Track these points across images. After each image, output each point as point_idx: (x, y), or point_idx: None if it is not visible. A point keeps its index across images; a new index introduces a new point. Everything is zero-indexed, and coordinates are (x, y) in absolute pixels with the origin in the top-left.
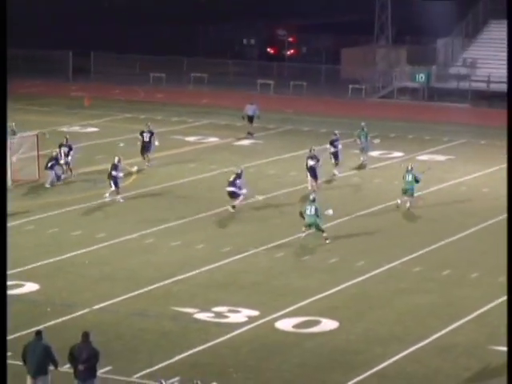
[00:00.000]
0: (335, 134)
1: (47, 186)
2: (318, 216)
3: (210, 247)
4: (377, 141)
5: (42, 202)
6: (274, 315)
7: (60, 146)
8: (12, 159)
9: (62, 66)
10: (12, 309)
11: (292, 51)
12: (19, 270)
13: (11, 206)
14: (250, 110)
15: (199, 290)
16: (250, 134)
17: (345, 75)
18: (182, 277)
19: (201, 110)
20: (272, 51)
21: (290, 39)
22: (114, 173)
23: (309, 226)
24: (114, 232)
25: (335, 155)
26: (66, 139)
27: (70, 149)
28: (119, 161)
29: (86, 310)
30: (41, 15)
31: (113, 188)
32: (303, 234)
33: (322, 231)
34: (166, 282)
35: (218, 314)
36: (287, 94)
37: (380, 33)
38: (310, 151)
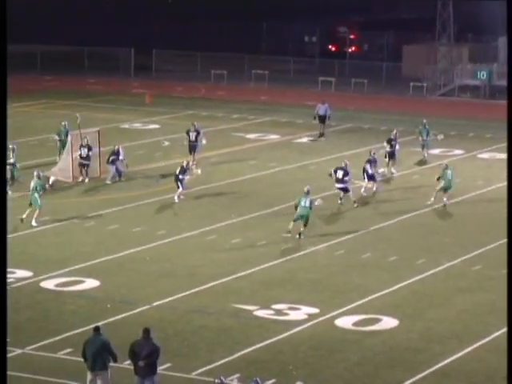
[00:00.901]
0: (393, 133)
1: (108, 182)
2: (310, 208)
3: (271, 244)
4: (440, 137)
5: (102, 198)
6: (334, 313)
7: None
8: (73, 156)
9: (124, 63)
10: (72, 305)
11: (353, 48)
12: (80, 266)
13: (72, 202)
14: (321, 109)
15: (259, 287)
16: (321, 135)
17: (406, 73)
18: (242, 274)
19: (261, 107)
20: (333, 48)
21: (352, 36)
22: (181, 176)
23: (301, 217)
24: (174, 229)
25: (391, 154)
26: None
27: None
28: (187, 164)
29: (146, 307)
30: (105, 13)
31: (180, 189)
32: (288, 235)
33: (305, 225)
34: (227, 278)
35: (278, 312)
36: (348, 91)
37: (442, 30)
38: (370, 154)
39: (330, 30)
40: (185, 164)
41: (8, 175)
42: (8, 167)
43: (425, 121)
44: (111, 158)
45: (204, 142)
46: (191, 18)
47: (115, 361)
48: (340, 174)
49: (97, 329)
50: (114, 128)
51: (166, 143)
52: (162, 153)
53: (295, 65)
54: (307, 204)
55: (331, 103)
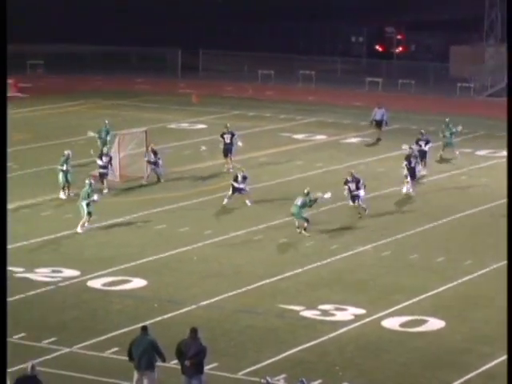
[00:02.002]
0: (422, 134)
1: (143, 182)
2: (302, 207)
3: (318, 245)
4: (459, 128)
5: (149, 198)
6: (381, 314)
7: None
8: (119, 155)
9: (171, 63)
10: (119, 304)
11: (400, 49)
12: (127, 265)
13: (119, 202)
14: (378, 114)
15: (306, 287)
16: (378, 140)
17: (453, 73)
18: (289, 274)
19: (309, 107)
20: (380, 49)
21: (399, 37)
22: (236, 184)
23: (292, 215)
24: (221, 229)
25: (422, 154)
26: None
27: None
28: (244, 177)
29: (192, 307)
30: (153, 14)
31: (230, 193)
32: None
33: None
34: (273, 279)
35: (325, 312)
36: (395, 92)
37: (489, 31)
38: (410, 148)
39: (377, 30)
40: (240, 176)
41: (60, 181)
42: (61, 173)
43: (447, 120)
44: (150, 159)
45: (240, 144)
46: (238, 18)
47: (163, 360)
48: (353, 186)
49: (144, 328)
50: (160, 128)
51: (204, 148)
52: (209, 153)
53: (342, 65)
54: (298, 203)
55: (377, 102)
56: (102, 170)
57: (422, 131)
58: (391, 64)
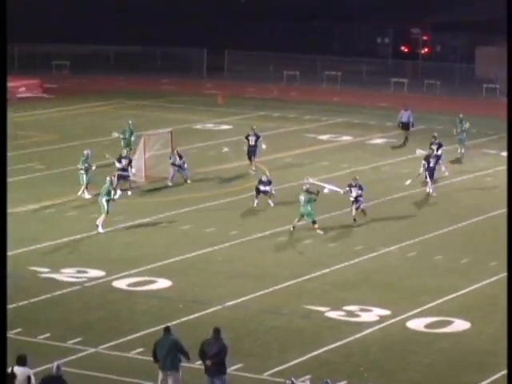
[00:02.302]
0: (434, 137)
1: (169, 183)
2: (308, 203)
3: (343, 245)
4: (467, 125)
5: (174, 198)
6: (406, 315)
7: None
8: (145, 156)
9: (196, 63)
10: (144, 305)
11: (426, 49)
12: (152, 266)
13: (145, 202)
14: (404, 116)
15: (331, 288)
16: (405, 142)
17: (479, 74)
18: (314, 275)
19: (334, 108)
20: (406, 49)
21: (425, 37)
22: (261, 187)
23: (302, 216)
24: (246, 229)
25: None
26: None
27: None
28: (269, 181)
29: (218, 307)
30: (178, 14)
31: (255, 195)
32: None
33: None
34: (299, 279)
35: (350, 313)
36: (421, 92)
37: None
38: (433, 150)
39: (402, 31)
40: (264, 178)
41: (82, 181)
42: (81, 171)
43: (461, 115)
44: (175, 162)
45: (264, 146)
46: (264, 19)
47: (188, 359)
48: (355, 191)
49: (167, 329)
50: (186, 128)
51: (226, 149)
52: (235, 154)
53: (367, 66)
54: (302, 202)
55: (403, 104)
56: (120, 173)
57: (435, 134)
58: (417, 65)
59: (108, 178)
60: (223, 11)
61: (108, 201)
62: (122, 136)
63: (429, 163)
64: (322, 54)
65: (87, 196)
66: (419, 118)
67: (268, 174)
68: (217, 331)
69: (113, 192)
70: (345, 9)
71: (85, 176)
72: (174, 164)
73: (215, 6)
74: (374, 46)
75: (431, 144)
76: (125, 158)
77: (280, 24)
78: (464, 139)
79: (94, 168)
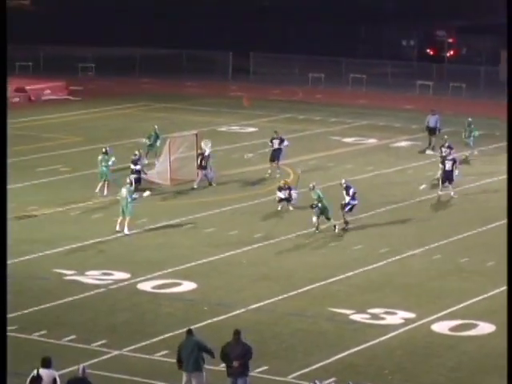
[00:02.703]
0: (445, 140)
1: (195, 186)
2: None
3: (367, 248)
4: (476, 133)
5: (198, 201)
6: (431, 318)
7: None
8: (170, 159)
9: (222, 66)
10: (169, 307)
11: (451, 52)
12: (177, 268)
13: (169, 205)
14: (431, 120)
15: (356, 291)
16: (432, 147)
17: (504, 77)
18: (338, 277)
19: (359, 110)
20: (431, 52)
21: (450, 40)
22: (281, 195)
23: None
24: (270, 232)
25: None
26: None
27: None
28: (289, 187)
29: (242, 310)
30: (204, 16)
31: (294, 198)
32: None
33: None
34: (323, 282)
35: (374, 316)
36: (446, 95)
37: None
38: (451, 153)
39: (427, 33)
40: (281, 183)
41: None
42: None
43: (470, 119)
44: (202, 163)
45: (286, 143)
46: (289, 21)
47: (213, 357)
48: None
49: (190, 331)
50: (211, 131)
51: (250, 155)
52: (259, 156)
53: (393, 68)
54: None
55: (429, 107)
56: (135, 176)
57: (445, 137)
58: (442, 67)
59: (128, 180)
60: (248, 13)
61: (131, 202)
62: (147, 141)
63: (445, 166)
64: (347, 57)
65: (105, 193)
66: (444, 120)
67: (287, 182)
68: (237, 333)
69: (134, 194)
70: (370, 11)
71: (103, 173)
72: (200, 167)
73: (240, 9)
74: (399, 48)
75: (441, 146)
76: (139, 159)
77: (305, 26)
78: (470, 142)
79: (112, 162)
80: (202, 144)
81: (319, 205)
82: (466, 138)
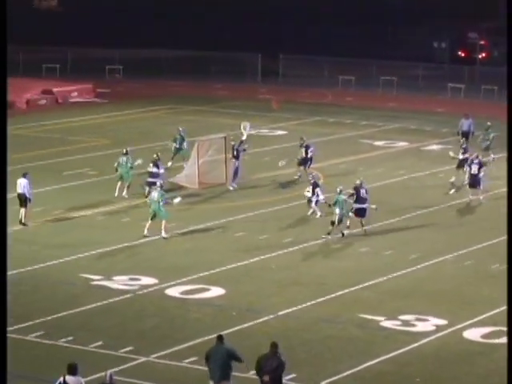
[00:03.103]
0: (462, 143)
1: (230, 188)
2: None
3: (398, 254)
4: (491, 135)
5: (227, 205)
6: (462, 324)
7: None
8: (199, 162)
9: (250, 68)
10: (197, 313)
11: (483, 54)
12: (205, 273)
13: (197, 209)
14: (465, 125)
15: (386, 297)
16: (464, 151)
17: None
18: (369, 283)
19: (390, 113)
20: (463, 54)
21: (482, 42)
22: (314, 198)
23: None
24: (300, 237)
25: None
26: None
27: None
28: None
29: (271, 316)
30: (232, 17)
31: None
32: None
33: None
34: (354, 288)
35: (405, 322)
36: (478, 98)
37: None
38: (477, 157)
39: (459, 35)
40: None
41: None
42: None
43: (489, 123)
44: (234, 153)
45: (312, 148)
46: (319, 23)
47: (242, 361)
48: (363, 192)
49: (220, 338)
50: (240, 134)
51: (284, 163)
52: (289, 159)
53: (424, 71)
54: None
55: (461, 110)
56: (150, 179)
57: (462, 140)
58: (474, 70)
59: (158, 183)
60: (278, 15)
61: (163, 206)
62: (175, 145)
63: (471, 170)
64: (377, 59)
65: (125, 195)
66: (476, 124)
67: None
68: (274, 346)
69: (165, 196)
70: (401, 13)
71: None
72: (234, 156)
73: (269, 11)
74: (430, 50)
75: (462, 147)
76: (154, 162)
77: (335, 28)
78: (489, 147)
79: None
80: (241, 127)
81: (337, 210)
82: (482, 142)
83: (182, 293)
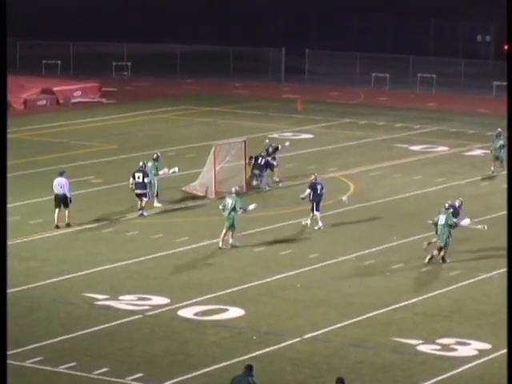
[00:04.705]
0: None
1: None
2: (446, 226)
3: (435, 270)
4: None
5: (247, 216)
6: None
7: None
8: (215, 169)
9: (273, 65)
10: (214, 336)
11: None
12: (223, 292)
13: (213, 221)
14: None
15: (423, 318)
16: None
17: None
18: (404, 303)
19: (428, 115)
20: (509, 49)
21: None
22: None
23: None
24: (328, 252)
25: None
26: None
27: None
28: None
29: (295, 340)
30: (252, 9)
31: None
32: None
33: (442, 248)
34: (386, 309)
35: (445, 347)
36: None
37: None
38: None
39: (506, 28)
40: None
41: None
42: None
43: (499, 130)
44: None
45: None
46: (349, 15)
47: None
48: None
49: (249, 367)
50: (261, 138)
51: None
52: (316, 166)
53: (466, 68)
54: (443, 221)
55: (506, 111)
56: (137, 191)
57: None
58: None
59: (233, 189)
60: (303, 7)
61: (238, 214)
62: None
63: None
64: (415, 54)
65: (157, 205)
66: None
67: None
68: (340, 381)
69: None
70: (441, 4)
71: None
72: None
73: (295, 1)
74: (473, 45)
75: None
76: (139, 171)
77: (368, 20)
78: (502, 156)
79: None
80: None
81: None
82: (495, 152)
83: (197, 314)
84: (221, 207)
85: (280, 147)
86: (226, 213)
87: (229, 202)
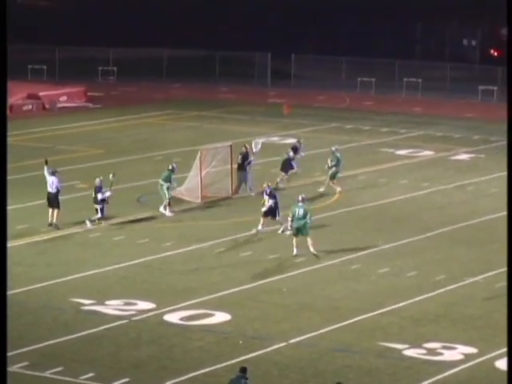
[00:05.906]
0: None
1: (252, 194)
2: (303, 218)
3: (423, 275)
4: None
5: (234, 221)
6: (495, 353)
7: None
8: (201, 173)
9: (260, 69)
10: (200, 341)
11: None
12: (208, 297)
13: (200, 225)
14: None
15: (409, 323)
16: None
17: None
18: (390, 308)
19: (414, 119)
20: (495, 53)
21: None
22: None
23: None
24: (314, 257)
25: None
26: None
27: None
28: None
29: (281, 344)
30: (238, 14)
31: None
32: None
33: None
34: (373, 313)
35: (431, 351)
36: None
37: None
38: None
39: (491, 32)
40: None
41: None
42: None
43: None
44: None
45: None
46: (335, 19)
47: None
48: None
49: (243, 370)
50: (247, 142)
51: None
52: (302, 170)
53: (452, 72)
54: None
55: (493, 115)
56: (96, 205)
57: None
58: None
59: (299, 198)
60: (289, 12)
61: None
62: None
63: None
64: (401, 59)
65: (168, 214)
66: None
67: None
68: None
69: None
70: (428, 9)
71: (166, 191)
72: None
73: (280, 6)
74: (459, 49)
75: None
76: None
77: (354, 25)
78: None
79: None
80: (253, 144)
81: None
82: None
83: (183, 319)
84: (289, 218)
85: (255, 150)
86: (298, 222)
87: (296, 210)
